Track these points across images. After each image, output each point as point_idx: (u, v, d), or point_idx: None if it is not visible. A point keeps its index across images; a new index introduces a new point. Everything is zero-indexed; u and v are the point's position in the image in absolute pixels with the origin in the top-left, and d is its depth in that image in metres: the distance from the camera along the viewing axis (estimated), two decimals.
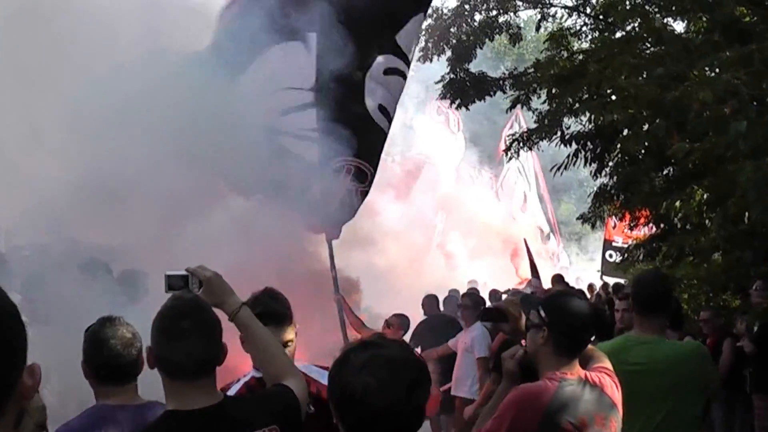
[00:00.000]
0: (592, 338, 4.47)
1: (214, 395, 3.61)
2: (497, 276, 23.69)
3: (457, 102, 15.75)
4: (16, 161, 10.51)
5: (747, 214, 9.10)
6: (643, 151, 12.25)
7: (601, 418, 4.12)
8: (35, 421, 3.09)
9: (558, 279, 15.67)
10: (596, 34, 14.79)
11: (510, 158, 16.07)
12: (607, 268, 23.96)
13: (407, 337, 11.46)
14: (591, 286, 20.96)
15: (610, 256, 23.70)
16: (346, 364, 2.80)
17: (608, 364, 4.41)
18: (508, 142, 15.36)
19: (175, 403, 3.55)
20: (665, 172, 12.63)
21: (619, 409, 4.24)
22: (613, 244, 23.72)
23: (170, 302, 3.68)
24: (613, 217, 16.61)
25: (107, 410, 4.30)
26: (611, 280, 21.32)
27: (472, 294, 11.84)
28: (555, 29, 15.65)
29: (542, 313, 4.38)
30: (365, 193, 9.49)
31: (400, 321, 11.39)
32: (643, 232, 16.20)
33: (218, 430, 3.53)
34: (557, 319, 4.31)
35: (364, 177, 9.29)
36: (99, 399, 4.38)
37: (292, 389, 3.74)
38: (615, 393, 4.23)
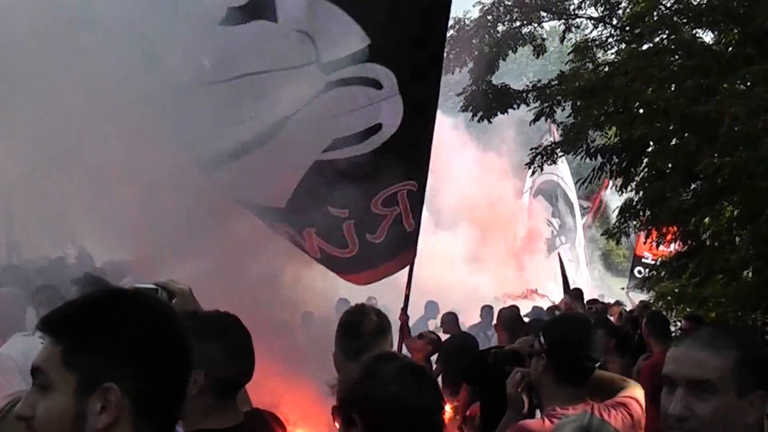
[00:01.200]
0: (597, 365, 4.16)
1: (238, 412, 3.57)
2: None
3: (479, 114, 15.51)
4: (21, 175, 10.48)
5: None
6: (670, 166, 12.00)
7: None
8: None
9: (576, 295, 15.14)
10: (622, 45, 14.50)
11: (534, 172, 15.78)
12: (633, 284, 23.66)
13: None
14: (618, 304, 20.69)
15: (639, 272, 23.37)
16: (376, 376, 2.84)
17: (638, 392, 4.14)
18: (531, 156, 15.13)
19: (205, 422, 3.46)
20: (693, 187, 12.34)
21: None
22: (643, 260, 23.40)
23: (215, 318, 3.65)
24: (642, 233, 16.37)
25: None
26: (637, 298, 21.01)
27: (511, 312, 11.28)
28: (580, 40, 15.37)
29: (542, 340, 4.13)
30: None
31: (430, 339, 11.14)
32: (673, 248, 15.89)
33: None
34: (556, 345, 4.05)
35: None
36: None
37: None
38: (627, 427, 3.95)
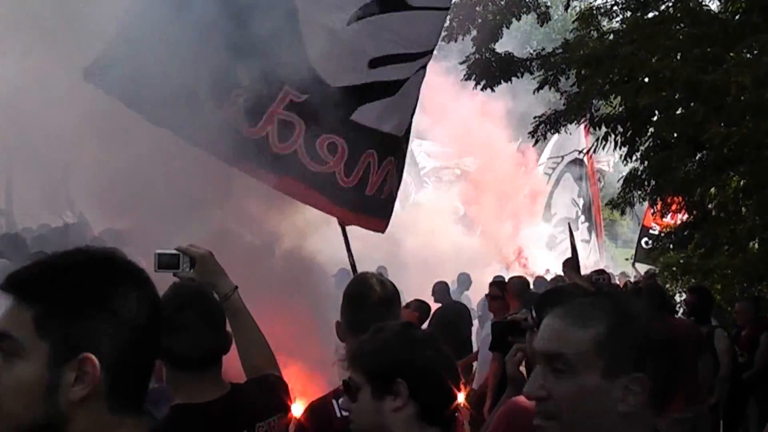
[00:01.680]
0: None
1: (222, 385, 3.51)
2: None
3: (482, 83, 15.37)
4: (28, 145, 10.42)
5: None
6: (676, 136, 11.90)
7: None
8: None
9: (573, 266, 14.87)
10: (628, 14, 14.33)
11: (536, 141, 15.64)
12: (641, 255, 23.54)
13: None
14: (623, 275, 20.58)
15: (647, 243, 23.18)
16: (415, 342, 2.94)
17: None
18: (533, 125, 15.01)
19: (182, 396, 3.42)
20: (699, 157, 12.24)
21: None
22: (650, 231, 23.20)
23: (171, 291, 3.52)
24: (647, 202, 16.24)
25: None
26: (643, 269, 20.89)
27: (501, 283, 11.23)
28: (584, 8, 15.21)
29: (533, 314, 4.04)
30: None
31: (418, 305, 11.16)
32: (679, 219, 15.81)
33: (230, 420, 3.42)
34: None
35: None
36: None
37: (281, 377, 3.67)
38: None
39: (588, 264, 19.53)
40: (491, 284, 11.05)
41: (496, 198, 26.14)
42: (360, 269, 7.45)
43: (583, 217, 28.09)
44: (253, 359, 3.82)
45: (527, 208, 27.55)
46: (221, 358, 3.51)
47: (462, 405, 9.75)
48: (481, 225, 25.86)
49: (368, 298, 4.18)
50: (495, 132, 26.99)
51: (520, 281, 10.26)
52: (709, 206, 11.76)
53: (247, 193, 9.09)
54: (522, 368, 4.33)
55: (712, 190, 10.24)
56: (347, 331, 4.06)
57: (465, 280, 17.90)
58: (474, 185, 26.69)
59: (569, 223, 16.51)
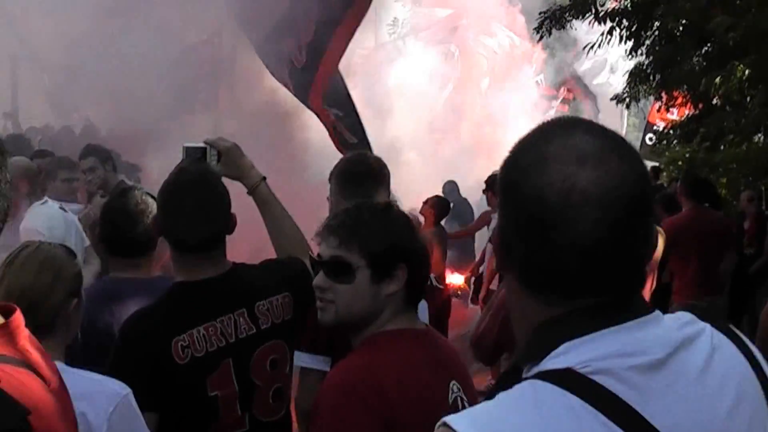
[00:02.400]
0: None
1: (224, 264, 3.52)
2: None
3: None
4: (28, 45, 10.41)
5: None
6: (681, 29, 11.78)
7: None
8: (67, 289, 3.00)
9: None
10: None
11: (541, 37, 15.43)
12: (644, 151, 23.37)
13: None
14: None
15: (650, 139, 23.00)
16: (411, 225, 2.96)
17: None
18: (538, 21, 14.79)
19: (183, 275, 3.49)
20: (704, 50, 12.13)
21: None
22: (654, 127, 22.99)
23: (174, 176, 3.54)
24: (652, 98, 16.10)
25: (111, 283, 4.22)
26: (648, 165, 20.76)
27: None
28: None
29: None
30: None
31: (436, 201, 11.19)
32: (685, 115, 15.67)
33: (229, 297, 3.45)
34: None
35: None
36: (111, 272, 4.30)
37: (305, 262, 3.53)
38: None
39: None
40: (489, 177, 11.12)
41: None
42: None
43: None
44: (284, 248, 3.84)
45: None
46: (224, 240, 3.53)
47: (461, 286, 9.85)
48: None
49: (366, 175, 4.32)
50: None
51: None
52: (714, 98, 11.66)
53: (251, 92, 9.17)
54: None
55: (717, 80, 10.13)
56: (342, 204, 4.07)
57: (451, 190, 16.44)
58: None
59: None
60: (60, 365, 2.80)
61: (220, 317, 3.40)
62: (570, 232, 1.48)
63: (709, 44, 11.93)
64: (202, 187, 3.50)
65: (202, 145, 3.81)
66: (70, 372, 2.85)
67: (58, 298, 2.95)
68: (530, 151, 1.55)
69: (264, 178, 3.88)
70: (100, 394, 2.81)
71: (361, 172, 4.35)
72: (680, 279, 8.97)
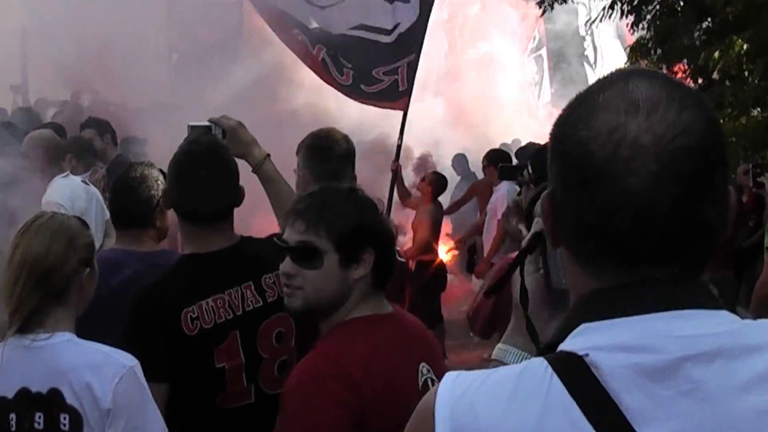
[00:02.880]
0: None
1: (232, 237, 3.60)
2: None
3: None
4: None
5: None
6: (682, 3, 11.83)
7: None
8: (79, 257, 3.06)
9: None
10: None
11: (544, 11, 15.44)
12: None
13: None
14: None
15: None
16: (376, 208, 3.02)
17: None
18: None
19: (192, 247, 3.56)
20: (704, 25, 12.19)
21: None
22: None
23: (185, 147, 3.63)
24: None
25: (110, 254, 4.20)
26: None
27: (498, 150, 11.41)
28: None
29: (530, 170, 4.12)
30: None
31: (434, 178, 11.15)
32: None
33: (236, 269, 3.52)
34: (543, 174, 4.05)
35: None
36: (116, 244, 4.31)
37: None
38: None
39: None
40: (489, 152, 11.14)
41: None
42: None
43: None
44: None
45: None
46: (232, 212, 3.60)
47: (447, 262, 9.89)
48: None
49: (334, 150, 4.41)
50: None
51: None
52: (714, 72, 11.71)
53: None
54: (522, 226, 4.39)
55: (716, 54, 10.21)
56: (311, 181, 4.16)
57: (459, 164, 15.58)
58: None
59: None
60: (69, 335, 2.98)
61: (227, 289, 3.46)
62: (620, 189, 1.30)
63: (709, 18, 11.99)
64: (214, 159, 3.58)
65: (206, 123, 3.88)
66: (79, 343, 2.99)
67: (71, 266, 2.99)
68: (581, 102, 1.40)
69: (268, 155, 3.93)
70: (106, 366, 2.90)
71: (329, 147, 4.43)
72: None
